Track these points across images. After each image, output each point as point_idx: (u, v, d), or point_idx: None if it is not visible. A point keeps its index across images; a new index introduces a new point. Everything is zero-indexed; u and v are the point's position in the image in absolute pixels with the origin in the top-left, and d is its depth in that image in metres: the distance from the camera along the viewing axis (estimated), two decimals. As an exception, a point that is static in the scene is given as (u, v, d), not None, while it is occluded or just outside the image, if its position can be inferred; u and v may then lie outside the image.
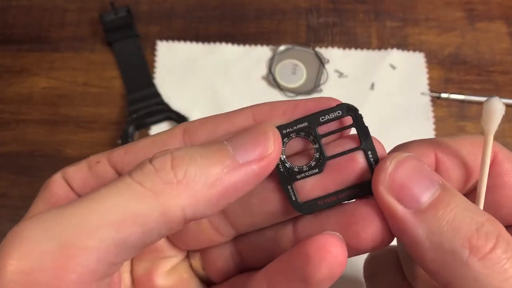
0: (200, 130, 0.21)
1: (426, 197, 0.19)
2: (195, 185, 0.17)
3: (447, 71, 0.53)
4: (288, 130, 0.20)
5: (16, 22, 0.56)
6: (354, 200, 0.21)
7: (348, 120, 0.20)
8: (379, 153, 0.20)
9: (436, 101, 0.52)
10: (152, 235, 0.17)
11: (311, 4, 0.57)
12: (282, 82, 0.52)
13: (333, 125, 0.20)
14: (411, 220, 0.18)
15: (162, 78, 0.53)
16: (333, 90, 0.52)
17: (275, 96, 0.52)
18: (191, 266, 0.25)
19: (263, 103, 0.21)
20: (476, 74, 0.53)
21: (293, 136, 0.20)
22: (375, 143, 0.20)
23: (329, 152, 0.20)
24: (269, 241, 0.22)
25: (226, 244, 0.24)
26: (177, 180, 0.17)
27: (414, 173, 0.19)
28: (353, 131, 0.21)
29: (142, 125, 0.50)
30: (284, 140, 0.20)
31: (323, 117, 0.20)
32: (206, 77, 0.53)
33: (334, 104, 0.20)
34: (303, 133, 0.20)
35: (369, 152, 0.20)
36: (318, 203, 0.20)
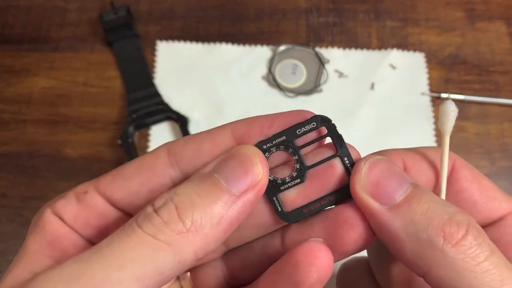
0: (184, 150, 0.22)
1: (399, 193, 0.20)
2: (203, 229, 0.18)
3: (447, 71, 0.53)
4: (268, 145, 0.21)
5: (16, 22, 0.56)
6: (335, 205, 0.22)
7: (323, 130, 0.22)
8: (354, 158, 0.21)
9: (436, 101, 0.52)
10: (168, 278, 0.18)
11: (311, 4, 0.57)
12: (282, 82, 0.52)
13: (309, 136, 0.22)
14: (387, 215, 0.20)
15: (162, 78, 0.53)
16: (333, 90, 0.52)
17: (275, 96, 0.52)
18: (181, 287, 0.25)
19: (241, 120, 0.22)
20: (476, 74, 0.53)
21: (274, 150, 0.22)
22: (350, 149, 0.21)
23: (308, 161, 0.21)
24: (258, 255, 0.23)
25: (216, 262, 0.24)
26: (187, 229, 0.18)
27: (387, 173, 0.20)
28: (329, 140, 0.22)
29: (142, 125, 0.50)
30: (266, 155, 0.21)
31: (300, 129, 0.21)
32: (206, 77, 0.53)
33: (309, 117, 0.22)
34: (283, 146, 0.21)
35: (345, 158, 0.21)
36: (303, 211, 0.21)
